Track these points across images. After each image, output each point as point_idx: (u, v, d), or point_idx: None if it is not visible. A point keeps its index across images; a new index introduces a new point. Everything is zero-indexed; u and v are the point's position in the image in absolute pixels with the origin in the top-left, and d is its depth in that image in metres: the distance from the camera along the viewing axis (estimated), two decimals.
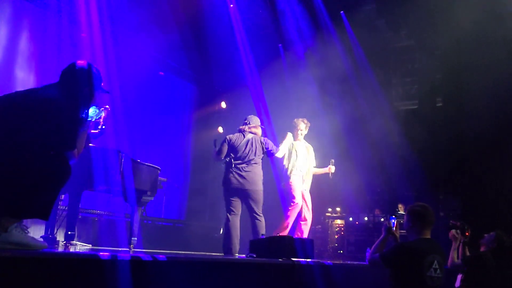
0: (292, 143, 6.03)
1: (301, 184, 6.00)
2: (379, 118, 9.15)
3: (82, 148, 2.74)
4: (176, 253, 4.10)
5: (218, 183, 9.54)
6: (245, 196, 5.23)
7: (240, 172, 5.21)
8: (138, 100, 8.08)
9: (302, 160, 6.04)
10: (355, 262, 5.38)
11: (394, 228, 3.66)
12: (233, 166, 5.22)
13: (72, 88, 2.65)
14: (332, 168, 6.13)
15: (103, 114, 3.15)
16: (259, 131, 5.50)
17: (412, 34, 9.24)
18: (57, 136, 2.49)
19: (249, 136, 5.37)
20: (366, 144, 9.07)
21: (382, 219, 8.66)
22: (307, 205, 5.94)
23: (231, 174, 5.23)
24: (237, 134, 5.40)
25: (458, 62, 8.68)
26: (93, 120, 2.92)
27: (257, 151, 5.32)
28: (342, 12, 9.09)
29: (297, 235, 5.77)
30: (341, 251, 8.72)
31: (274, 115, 8.68)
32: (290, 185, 5.89)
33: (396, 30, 9.15)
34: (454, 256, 4.45)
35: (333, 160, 6.20)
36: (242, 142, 5.30)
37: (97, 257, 2.23)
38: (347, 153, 9.04)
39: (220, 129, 10.06)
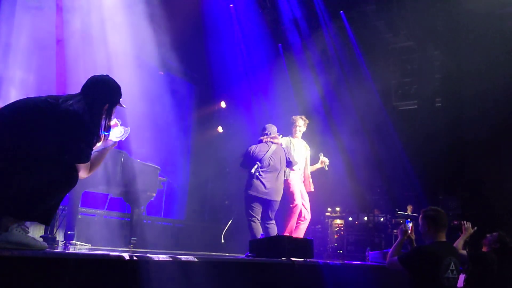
0: (290, 140, 6.01)
1: (299, 183, 5.98)
2: (378, 118, 9.16)
3: (97, 166, 2.79)
4: (176, 253, 4.11)
5: (217, 183, 9.60)
6: (269, 205, 5.39)
7: (266, 183, 5.33)
8: (138, 100, 8.07)
9: (300, 158, 6.02)
10: (355, 262, 5.39)
11: (410, 231, 3.80)
12: (259, 175, 5.31)
13: (94, 102, 2.67)
14: (325, 161, 6.12)
15: (128, 132, 3.14)
16: (279, 140, 5.64)
17: (412, 34, 9.25)
18: (73, 149, 2.51)
19: (273, 147, 5.47)
20: (365, 144, 9.08)
21: (382, 219, 8.67)
22: (304, 205, 5.91)
23: (257, 183, 5.31)
24: (260, 145, 5.48)
25: (457, 63, 8.70)
26: (122, 139, 2.95)
27: (282, 161, 5.49)
28: (341, 12, 9.09)
29: (295, 234, 5.76)
30: (341, 251, 8.73)
31: (274, 115, 8.70)
32: (289, 183, 5.84)
33: (395, 30, 9.16)
34: (460, 245, 4.49)
35: (321, 154, 6.19)
36: (268, 153, 5.41)
37: (97, 257, 2.23)
38: (346, 153, 9.05)
39: (220, 129, 10.07)
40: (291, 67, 9.76)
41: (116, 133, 2.94)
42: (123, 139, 3.03)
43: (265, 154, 5.38)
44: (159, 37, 8.04)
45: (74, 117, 2.52)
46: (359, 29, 9.25)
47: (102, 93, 2.74)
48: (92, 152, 2.70)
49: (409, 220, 3.84)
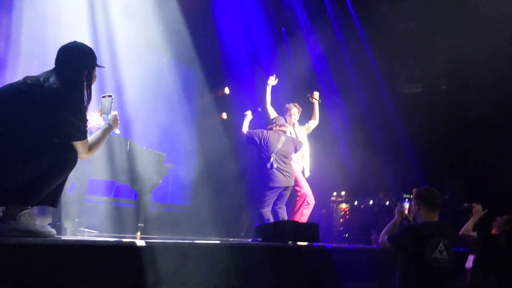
0: (290, 131, 6.00)
1: (299, 169, 6.00)
2: (383, 102, 9.12)
3: (96, 149, 2.74)
4: (183, 238, 4.14)
5: (223, 169, 9.61)
6: (282, 193, 5.43)
7: (280, 171, 5.34)
8: (142, 87, 8.07)
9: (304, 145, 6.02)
10: (360, 246, 5.42)
11: (407, 211, 3.73)
12: (272, 164, 5.32)
13: (72, 72, 2.61)
14: (315, 95, 6.08)
15: (109, 106, 3.05)
16: (287, 129, 5.68)
17: (415, 17, 9.14)
18: (67, 127, 2.49)
19: (283, 136, 5.50)
20: (370, 128, 9.05)
21: (387, 202, 8.68)
22: (307, 191, 5.92)
23: (271, 172, 5.32)
24: (271, 133, 5.47)
25: (462, 45, 8.60)
26: (111, 113, 2.88)
27: (291, 150, 5.54)
28: None
29: (300, 220, 5.79)
30: (346, 235, 8.77)
31: (278, 99, 8.66)
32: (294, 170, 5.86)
33: (399, 13, 9.05)
34: (470, 227, 4.51)
35: (308, 94, 6.15)
36: (280, 142, 5.43)
37: (105, 243, 2.26)
38: (351, 137, 9.04)
39: (224, 115, 10.05)
40: (294, 51, 9.69)
41: (104, 109, 2.90)
42: (111, 113, 2.95)
43: (278, 144, 5.40)
44: (162, 23, 8.00)
45: (61, 94, 2.49)
46: (362, 12, 9.15)
47: (77, 61, 2.66)
48: (90, 132, 2.68)
49: (405, 199, 3.76)
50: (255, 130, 5.55)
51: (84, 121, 2.59)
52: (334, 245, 4.50)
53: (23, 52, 6.08)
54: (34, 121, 2.39)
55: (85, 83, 2.68)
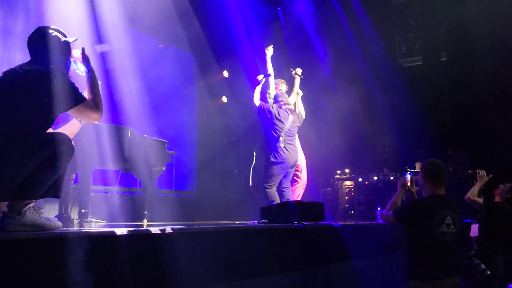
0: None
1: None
2: (384, 77, 9.05)
3: (100, 100, 2.73)
4: (189, 223, 4.16)
5: (226, 153, 9.62)
6: (288, 172, 5.45)
7: (287, 147, 5.38)
8: (140, 75, 8.03)
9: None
10: (366, 222, 5.44)
11: (410, 183, 3.70)
12: (282, 140, 5.35)
13: (45, 55, 2.61)
14: (297, 71, 5.94)
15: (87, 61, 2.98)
16: (292, 107, 5.67)
17: None
18: (62, 100, 2.51)
19: (291, 114, 5.53)
20: (372, 104, 9.01)
21: (392, 178, 8.70)
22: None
23: (279, 149, 5.34)
24: (281, 111, 5.48)
25: (462, 15, 8.49)
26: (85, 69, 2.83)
27: (296, 127, 5.59)
28: None
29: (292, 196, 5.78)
30: (352, 212, 8.82)
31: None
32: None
33: None
34: (475, 192, 4.53)
35: (291, 69, 6.01)
36: (289, 120, 5.47)
37: (113, 233, 2.26)
38: (352, 114, 9.00)
39: (224, 99, 10.02)
40: (291, 30, 9.59)
41: (82, 68, 2.86)
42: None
43: (287, 122, 5.43)
44: (157, 10, 7.92)
45: (39, 71, 2.51)
46: None
47: (45, 41, 2.65)
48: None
49: (407, 172, 3.70)
50: (267, 104, 5.54)
51: (72, 85, 2.61)
52: (340, 222, 4.51)
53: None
54: (22, 107, 2.40)
55: (62, 57, 2.69)
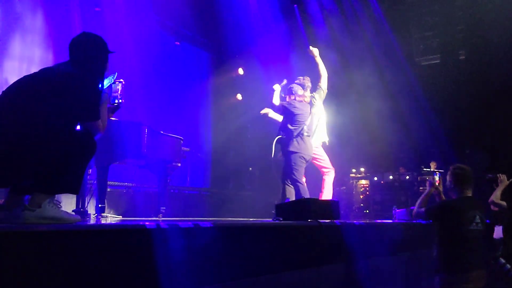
0: None
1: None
2: (401, 75, 8.96)
3: (106, 121, 2.78)
4: (204, 219, 4.19)
5: (240, 150, 9.63)
6: (307, 163, 5.35)
7: (309, 141, 5.32)
8: (156, 72, 8.09)
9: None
10: (381, 221, 5.40)
11: (438, 183, 4.18)
12: (305, 135, 5.26)
13: (84, 61, 2.65)
14: (314, 51, 5.92)
15: (119, 88, 3.15)
16: (309, 98, 5.63)
17: None
18: (80, 109, 2.53)
19: (309, 108, 5.48)
20: (388, 102, 8.93)
21: (408, 177, 8.61)
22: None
23: (304, 143, 5.25)
24: (301, 105, 5.40)
25: (480, 12, 8.36)
26: (106, 90, 2.89)
27: (314, 122, 5.63)
28: None
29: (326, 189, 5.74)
30: (367, 211, 8.75)
31: (292, 78, 8.59)
32: None
33: None
34: (498, 195, 4.65)
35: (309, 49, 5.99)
36: (309, 114, 5.45)
37: (130, 227, 2.29)
38: (369, 112, 8.94)
39: (239, 96, 10.03)
40: (307, 28, 9.55)
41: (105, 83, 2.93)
42: (116, 94, 3.03)
43: (308, 116, 5.38)
44: (173, 7, 7.96)
45: (70, 79, 2.53)
46: None
47: (89, 51, 2.70)
48: None
49: (436, 172, 4.10)
50: (284, 102, 5.47)
51: (97, 103, 2.64)
52: (355, 221, 4.49)
53: None
54: (49, 106, 2.43)
55: (100, 70, 2.72)
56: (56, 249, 1.85)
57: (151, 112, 7.19)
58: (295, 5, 9.61)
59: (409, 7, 9.64)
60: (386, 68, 8.93)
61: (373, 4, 9.09)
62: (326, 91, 5.78)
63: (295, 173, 5.15)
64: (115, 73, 2.96)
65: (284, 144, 5.29)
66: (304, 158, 5.22)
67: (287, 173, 5.20)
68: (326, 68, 5.86)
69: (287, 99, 5.47)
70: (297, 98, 5.44)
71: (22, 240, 1.75)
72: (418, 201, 4.12)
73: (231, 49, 9.79)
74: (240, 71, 10.08)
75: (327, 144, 5.96)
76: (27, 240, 1.76)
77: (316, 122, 5.77)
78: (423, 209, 3.94)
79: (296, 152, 5.19)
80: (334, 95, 6.72)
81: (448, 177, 3.83)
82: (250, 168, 10.07)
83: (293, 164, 5.16)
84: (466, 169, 3.78)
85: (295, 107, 5.34)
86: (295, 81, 5.73)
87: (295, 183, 5.15)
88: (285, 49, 9.30)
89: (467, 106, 8.18)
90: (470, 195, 3.71)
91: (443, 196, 4.19)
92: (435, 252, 3.78)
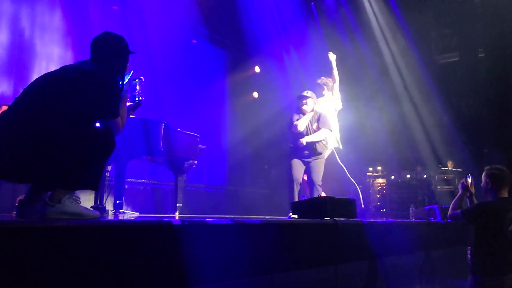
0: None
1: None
2: (419, 73, 8.87)
3: (125, 118, 2.81)
4: (221, 217, 4.21)
5: (256, 148, 9.64)
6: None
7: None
8: (174, 69, 8.14)
9: None
10: (398, 220, 5.37)
11: (470, 185, 4.08)
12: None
13: (106, 60, 2.69)
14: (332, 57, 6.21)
15: (139, 86, 3.19)
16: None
17: None
18: (100, 106, 2.57)
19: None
20: (406, 101, 8.84)
21: (425, 176, 8.51)
22: None
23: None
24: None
25: (499, 8, 8.22)
26: (126, 88, 2.93)
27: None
28: None
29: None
30: (384, 210, 8.68)
31: (309, 77, 8.57)
32: None
33: None
34: None
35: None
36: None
37: (148, 223, 2.32)
38: (386, 111, 8.87)
39: (255, 94, 10.04)
40: (325, 26, 9.50)
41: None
42: (134, 93, 3.09)
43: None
44: (190, 5, 8.00)
45: (91, 76, 2.57)
46: None
47: (111, 50, 2.73)
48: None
49: (469, 174, 4.08)
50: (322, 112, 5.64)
51: (116, 101, 2.67)
52: (372, 220, 4.47)
53: None
54: (70, 103, 2.46)
55: (121, 70, 2.76)
56: (76, 244, 1.88)
57: (168, 109, 7.23)
58: (312, 3, 9.56)
59: (427, 4, 9.52)
60: (404, 66, 8.85)
61: (391, 1, 9.00)
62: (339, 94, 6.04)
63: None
64: (131, 71, 2.99)
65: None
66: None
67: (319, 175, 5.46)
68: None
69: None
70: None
71: (43, 234, 1.78)
72: (453, 203, 4.06)
73: (247, 47, 9.80)
74: (257, 69, 10.07)
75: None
76: (48, 235, 1.80)
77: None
78: (459, 211, 3.87)
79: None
80: (352, 95, 6.67)
81: (484, 178, 3.78)
82: (266, 166, 10.08)
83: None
84: (504, 170, 3.72)
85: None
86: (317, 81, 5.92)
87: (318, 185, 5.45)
88: (302, 48, 9.28)
89: (486, 104, 8.05)
90: (506, 195, 3.67)
91: (475, 199, 4.13)
92: (471, 254, 3.72)
